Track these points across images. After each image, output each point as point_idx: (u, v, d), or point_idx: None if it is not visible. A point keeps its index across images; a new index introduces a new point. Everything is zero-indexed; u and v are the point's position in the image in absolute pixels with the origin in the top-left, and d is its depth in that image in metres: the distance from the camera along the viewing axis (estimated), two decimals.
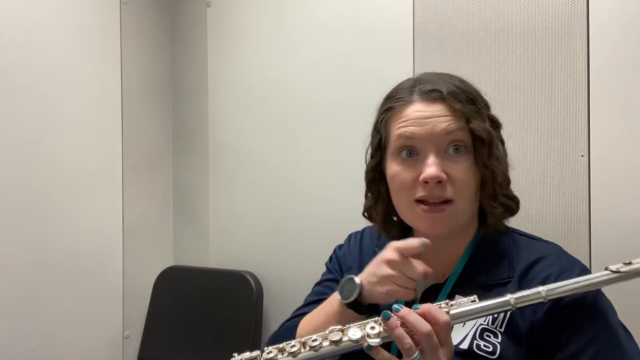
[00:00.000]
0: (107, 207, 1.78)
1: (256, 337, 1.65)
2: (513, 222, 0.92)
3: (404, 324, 0.69)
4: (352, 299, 0.79)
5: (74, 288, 1.67)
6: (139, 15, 1.87)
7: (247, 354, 0.74)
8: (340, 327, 0.72)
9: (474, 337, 0.79)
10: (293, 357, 0.71)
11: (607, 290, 0.79)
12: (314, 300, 1.00)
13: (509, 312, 0.79)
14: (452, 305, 0.73)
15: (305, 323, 0.90)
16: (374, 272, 0.80)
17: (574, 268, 0.81)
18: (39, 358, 1.58)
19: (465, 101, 0.83)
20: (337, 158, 1.59)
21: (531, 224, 1.21)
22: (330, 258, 1.07)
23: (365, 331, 0.71)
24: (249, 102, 1.79)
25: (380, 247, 0.95)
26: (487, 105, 0.88)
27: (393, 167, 0.86)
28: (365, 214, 0.96)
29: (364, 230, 1.06)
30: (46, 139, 1.60)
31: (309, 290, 1.06)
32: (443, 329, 0.69)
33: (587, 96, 1.21)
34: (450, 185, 0.81)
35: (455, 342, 0.73)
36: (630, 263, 0.73)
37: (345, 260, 1.02)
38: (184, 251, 1.98)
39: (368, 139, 0.94)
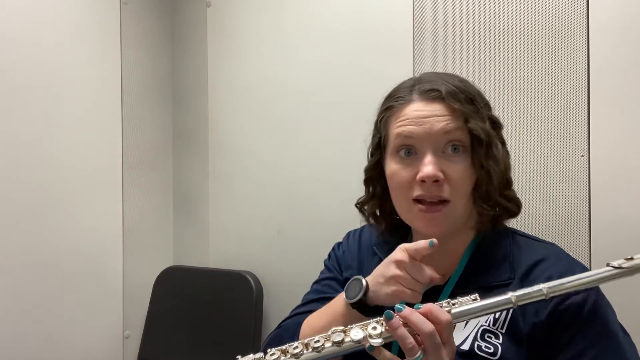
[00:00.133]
0: (107, 207, 1.78)
1: (256, 337, 1.65)
2: (513, 222, 0.92)
3: (406, 323, 0.69)
4: (357, 299, 0.80)
5: (74, 288, 1.67)
6: (139, 15, 1.87)
7: (251, 356, 0.74)
8: (342, 327, 0.73)
9: (475, 338, 0.79)
10: (296, 358, 0.71)
11: (606, 290, 0.79)
12: (313, 298, 1.00)
13: (510, 314, 0.79)
14: (453, 305, 0.73)
15: (309, 323, 0.90)
16: (381, 273, 0.80)
17: (575, 269, 0.81)
18: (39, 358, 1.57)
19: (464, 101, 0.83)
20: (337, 158, 1.59)
21: (531, 224, 1.21)
22: (329, 256, 1.08)
23: (367, 331, 0.71)
24: (249, 102, 1.79)
25: (379, 245, 0.96)
26: (487, 105, 0.88)
27: (392, 166, 0.86)
28: (358, 205, 0.97)
29: (362, 228, 1.06)
30: (46, 139, 1.60)
31: (309, 290, 1.06)
32: (445, 329, 0.69)
33: (587, 96, 1.21)
34: (448, 184, 0.81)
35: (456, 343, 0.73)
36: (631, 258, 0.73)
37: (344, 258, 1.03)
38: (184, 251, 1.98)
39: (368, 139, 0.95)
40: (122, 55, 1.81)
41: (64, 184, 1.64)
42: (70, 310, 1.66)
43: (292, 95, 1.69)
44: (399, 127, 0.84)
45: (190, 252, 1.96)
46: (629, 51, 1.17)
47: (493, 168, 0.82)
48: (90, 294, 1.71)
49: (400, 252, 0.79)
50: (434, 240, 0.77)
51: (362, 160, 0.96)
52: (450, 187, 0.81)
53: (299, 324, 0.92)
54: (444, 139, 0.82)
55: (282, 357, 0.72)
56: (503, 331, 0.79)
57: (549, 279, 0.78)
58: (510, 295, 0.72)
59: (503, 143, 0.89)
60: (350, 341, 0.71)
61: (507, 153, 0.89)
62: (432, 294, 0.84)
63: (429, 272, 0.78)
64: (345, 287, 0.84)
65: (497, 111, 0.90)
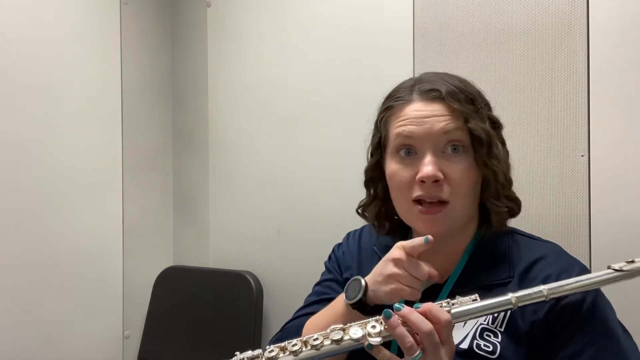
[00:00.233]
0: (107, 207, 1.78)
1: (256, 337, 1.65)
2: (513, 222, 0.92)
3: (405, 322, 0.69)
4: (356, 299, 0.80)
5: (74, 288, 1.67)
6: (139, 15, 1.88)
7: (249, 353, 0.74)
8: (341, 326, 0.73)
9: (474, 337, 0.79)
10: (295, 355, 0.71)
11: (606, 290, 0.79)
12: (315, 300, 1.00)
13: (509, 312, 0.79)
14: (453, 304, 0.73)
15: (311, 324, 0.90)
16: (379, 272, 0.80)
17: (574, 268, 0.81)
18: (39, 358, 1.57)
19: (464, 101, 0.83)
20: (337, 158, 1.59)
21: (531, 224, 1.21)
22: (329, 257, 1.08)
23: (366, 330, 0.71)
24: (249, 102, 1.79)
25: (379, 246, 0.96)
26: (487, 105, 0.88)
27: (392, 166, 0.86)
28: (359, 211, 0.97)
29: (362, 228, 1.06)
30: (46, 139, 1.60)
31: (308, 290, 1.06)
32: (444, 328, 0.69)
33: (587, 96, 1.21)
34: (447, 184, 0.81)
35: (455, 341, 0.73)
36: (633, 261, 0.73)
37: (344, 259, 1.03)
38: (184, 251, 1.98)
39: (368, 139, 0.95)
40: (122, 55, 1.81)
41: (64, 184, 1.65)
42: (70, 310, 1.66)
43: (292, 95, 1.69)
44: (399, 127, 0.84)
45: (190, 252, 1.96)
46: (629, 51, 1.17)
47: (497, 166, 0.83)
48: (90, 294, 1.71)
49: (397, 250, 0.79)
50: (429, 237, 0.78)
51: (362, 160, 0.96)
52: (450, 187, 0.81)
53: (301, 326, 0.92)
54: (444, 139, 0.82)
55: (281, 354, 0.72)
56: (502, 330, 0.79)
57: (547, 277, 0.79)
58: (510, 296, 0.72)
59: (503, 143, 0.89)
60: (349, 339, 0.71)
61: (507, 153, 0.89)
62: (431, 293, 0.84)
63: (426, 268, 0.78)
64: (344, 288, 0.84)
65: (497, 111, 0.90)
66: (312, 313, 0.94)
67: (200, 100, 1.91)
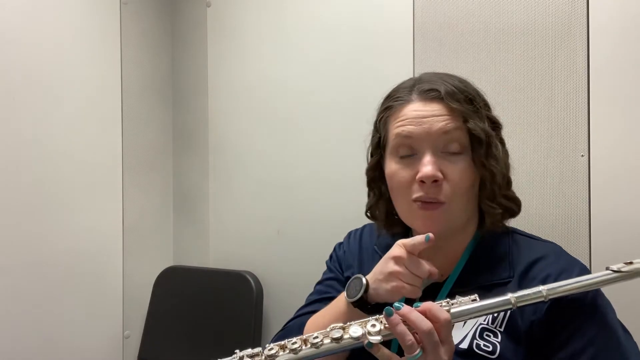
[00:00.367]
0: (107, 207, 1.78)
1: (256, 337, 1.65)
2: (513, 222, 0.92)
3: (405, 321, 0.69)
4: (357, 297, 0.80)
5: (74, 288, 1.67)
6: (139, 15, 1.88)
7: (249, 351, 0.74)
8: (341, 324, 0.73)
9: (473, 337, 0.80)
10: (294, 354, 0.71)
11: (606, 290, 0.79)
12: (316, 299, 1.00)
13: (509, 312, 0.79)
14: (452, 304, 0.73)
15: (312, 322, 0.91)
16: (380, 270, 0.81)
17: (574, 268, 0.81)
18: (39, 358, 1.57)
19: (464, 101, 0.83)
20: (337, 158, 1.59)
21: (531, 224, 1.21)
22: (331, 256, 1.08)
23: (366, 329, 0.71)
24: (249, 102, 1.79)
25: (380, 245, 0.96)
26: (486, 105, 0.88)
27: (391, 166, 0.86)
28: (368, 214, 0.97)
29: (363, 227, 1.06)
30: (46, 139, 1.60)
31: (309, 290, 1.06)
32: (444, 327, 0.69)
33: (587, 96, 1.21)
34: (447, 184, 0.81)
35: (455, 341, 0.73)
36: (631, 263, 0.74)
37: (345, 258, 1.03)
38: (184, 251, 1.98)
39: (368, 139, 0.95)
40: (122, 55, 1.81)
41: (64, 184, 1.65)
42: (70, 310, 1.66)
43: (292, 95, 1.69)
44: (398, 127, 0.85)
45: (190, 252, 1.96)
46: (629, 51, 1.17)
47: (495, 167, 0.83)
48: (90, 294, 1.71)
49: (398, 248, 0.80)
50: (430, 234, 0.78)
51: (362, 160, 0.96)
52: (450, 187, 0.81)
53: (303, 325, 0.93)
54: (443, 139, 0.82)
55: (281, 352, 0.72)
56: (502, 330, 0.79)
57: (547, 277, 0.79)
58: (510, 296, 0.73)
59: (502, 143, 0.89)
60: (349, 338, 0.71)
61: (506, 153, 0.89)
62: (431, 292, 0.84)
63: (427, 266, 0.78)
64: (346, 286, 0.84)
65: (497, 111, 0.90)
66: (314, 312, 0.94)
67: (200, 100, 1.91)
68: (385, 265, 0.80)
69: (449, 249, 0.87)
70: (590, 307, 0.77)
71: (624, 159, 1.17)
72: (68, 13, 1.66)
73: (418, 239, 0.79)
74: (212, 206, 1.89)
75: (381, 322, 0.72)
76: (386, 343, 0.72)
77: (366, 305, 0.80)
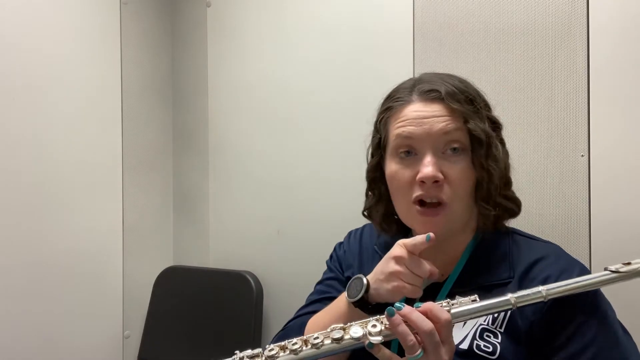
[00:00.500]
0: (107, 207, 1.78)
1: (256, 337, 1.65)
2: (513, 222, 0.92)
3: (406, 321, 0.69)
4: (358, 297, 0.80)
5: (74, 288, 1.67)
6: (139, 15, 1.87)
7: (249, 352, 0.74)
8: (342, 325, 0.73)
9: (474, 337, 0.80)
10: (295, 354, 0.71)
11: (606, 290, 0.79)
12: (316, 299, 1.00)
13: (509, 312, 0.79)
14: (452, 305, 0.73)
15: (313, 322, 0.91)
16: (381, 270, 0.81)
17: (574, 268, 0.81)
18: (39, 358, 1.57)
19: (464, 101, 0.83)
20: (337, 158, 1.59)
21: (531, 224, 1.21)
22: (331, 256, 1.08)
23: (366, 329, 0.71)
24: (249, 102, 1.79)
25: (380, 245, 0.96)
26: (487, 106, 0.88)
27: (392, 167, 0.86)
28: (365, 213, 0.97)
29: (363, 227, 1.06)
30: (46, 139, 1.60)
31: (309, 290, 1.06)
32: (444, 327, 0.69)
33: (587, 96, 1.21)
34: (448, 185, 0.81)
35: (455, 342, 0.73)
36: (629, 263, 0.75)
37: (345, 257, 1.03)
38: (184, 251, 1.98)
39: (368, 139, 0.95)
40: (122, 55, 1.81)
41: (64, 184, 1.64)
42: (70, 310, 1.66)
43: (292, 95, 1.69)
44: (398, 128, 0.85)
45: (190, 252, 1.96)
46: (629, 51, 1.17)
47: (493, 168, 0.83)
48: (90, 294, 1.71)
49: (399, 247, 0.80)
50: (431, 234, 0.78)
51: (362, 160, 0.96)
52: (450, 187, 0.81)
53: (304, 325, 0.93)
54: (444, 140, 0.82)
55: (281, 353, 0.72)
56: (502, 330, 0.79)
57: (547, 277, 0.79)
58: (509, 296, 0.73)
59: (503, 143, 0.89)
60: (349, 338, 0.71)
61: (506, 153, 0.89)
62: (431, 292, 0.84)
63: (428, 266, 0.78)
64: (346, 286, 0.84)
65: (497, 111, 0.90)
66: (314, 312, 0.94)
67: (200, 100, 1.91)
68: (386, 265, 0.80)
69: (449, 249, 0.87)
70: (590, 307, 0.77)
71: (624, 159, 1.17)
72: (68, 13, 1.66)
73: (419, 238, 0.79)
74: (212, 206, 1.89)
75: (382, 322, 0.72)
76: (386, 344, 0.71)
77: (367, 306, 0.80)
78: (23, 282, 1.54)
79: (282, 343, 0.73)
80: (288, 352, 0.71)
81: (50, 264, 1.61)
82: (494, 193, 0.84)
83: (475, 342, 0.79)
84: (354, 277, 0.84)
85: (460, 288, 0.82)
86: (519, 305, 0.73)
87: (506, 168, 0.87)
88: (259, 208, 1.77)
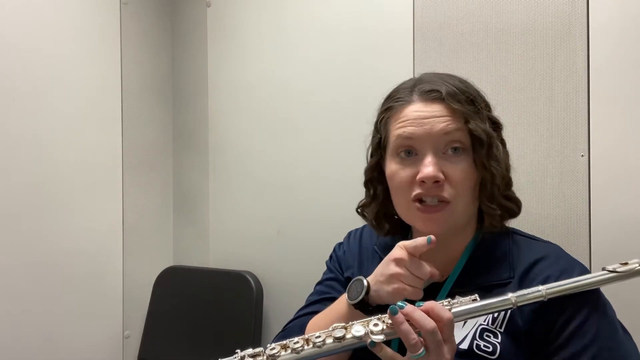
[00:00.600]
0: (107, 207, 1.78)
1: (256, 337, 1.65)
2: (513, 222, 0.92)
3: (409, 320, 0.69)
4: (359, 299, 0.80)
5: (74, 288, 1.67)
6: (139, 15, 1.88)
7: (250, 350, 0.74)
8: (343, 324, 0.73)
9: (474, 337, 0.80)
10: (296, 353, 0.71)
11: (605, 290, 0.79)
12: (316, 299, 1.00)
13: (509, 312, 0.79)
14: (453, 304, 0.73)
15: (313, 324, 0.91)
16: (381, 272, 0.81)
17: (574, 268, 0.81)
18: (39, 358, 1.57)
19: (465, 101, 0.83)
20: (337, 158, 1.59)
21: (531, 224, 1.21)
22: (331, 257, 1.08)
23: (368, 328, 0.71)
24: (249, 102, 1.79)
25: (380, 245, 0.96)
26: (487, 106, 0.88)
27: (392, 167, 0.86)
28: (359, 210, 0.97)
29: (363, 227, 1.06)
30: (46, 139, 1.60)
31: (309, 290, 1.06)
32: (446, 326, 0.69)
33: (587, 96, 1.21)
34: (448, 185, 0.81)
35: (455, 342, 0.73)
36: (626, 263, 0.76)
37: (345, 258, 1.03)
38: (184, 251, 1.98)
39: (368, 139, 0.95)
40: (122, 55, 1.81)
41: (64, 184, 1.65)
42: (70, 310, 1.66)
43: (292, 95, 1.69)
44: (399, 128, 0.85)
45: (190, 252, 1.96)
46: (629, 51, 1.17)
47: (495, 168, 0.83)
48: (90, 294, 1.71)
49: (399, 249, 0.80)
50: (432, 237, 0.78)
51: (362, 160, 0.96)
52: (451, 187, 0.81)
53: (304, 325, 0.93)
54: (444, 140, 0.82)
55: (283, 352, 0.72)
56: (502, 330, 0.79)
57: (547, 277, 0.79)
58: (510, 296, 0.73)
59: (503, 144, 0.89)
60: (351, 337, 0.71)
61: (507, 154, 0.89)
62: (431, 292, 0.84)
63: (428, 268, 0.78)
64: (347, 288, 0.84)
65: (497, 111, 0.91)
66: (314, 312, 0.94)
67: (200, 100, 1.91)
68: (387, 267, 0.80)
69: (449, 249, 0.87)
70: (590, 307, 0.77)
71: (624, 159, 1.17)
72: (68, 13, 1.66)
73: (419, 241, 0.79)
74: (212, 206, 1.89)
75: (383, 321, 0.72)
76: (386, 343, 0.71)
77: (367, 307, 0.80)
78: (23, 282, 1.54)
79: (284, 342, 0.73)
80: (290, 351, 0.71)
81: (50, 264, 1.61)
82: (497, 192, 0.84)
83: (475, 342, 0.79)
84: (354, 279, 0.84)
85: (460, 288, 0.82)
86: (519, 304, 0.73)
87: (507, 168, 0.87)
88: (259, 208, 1.77)
